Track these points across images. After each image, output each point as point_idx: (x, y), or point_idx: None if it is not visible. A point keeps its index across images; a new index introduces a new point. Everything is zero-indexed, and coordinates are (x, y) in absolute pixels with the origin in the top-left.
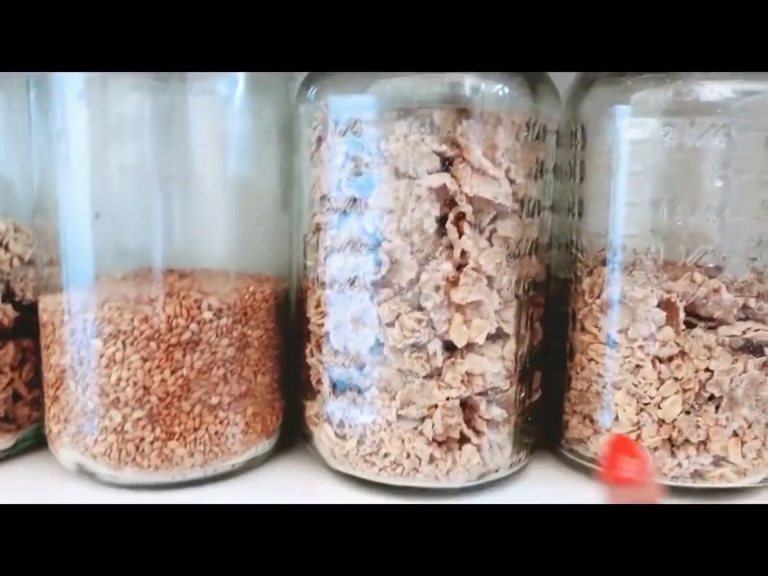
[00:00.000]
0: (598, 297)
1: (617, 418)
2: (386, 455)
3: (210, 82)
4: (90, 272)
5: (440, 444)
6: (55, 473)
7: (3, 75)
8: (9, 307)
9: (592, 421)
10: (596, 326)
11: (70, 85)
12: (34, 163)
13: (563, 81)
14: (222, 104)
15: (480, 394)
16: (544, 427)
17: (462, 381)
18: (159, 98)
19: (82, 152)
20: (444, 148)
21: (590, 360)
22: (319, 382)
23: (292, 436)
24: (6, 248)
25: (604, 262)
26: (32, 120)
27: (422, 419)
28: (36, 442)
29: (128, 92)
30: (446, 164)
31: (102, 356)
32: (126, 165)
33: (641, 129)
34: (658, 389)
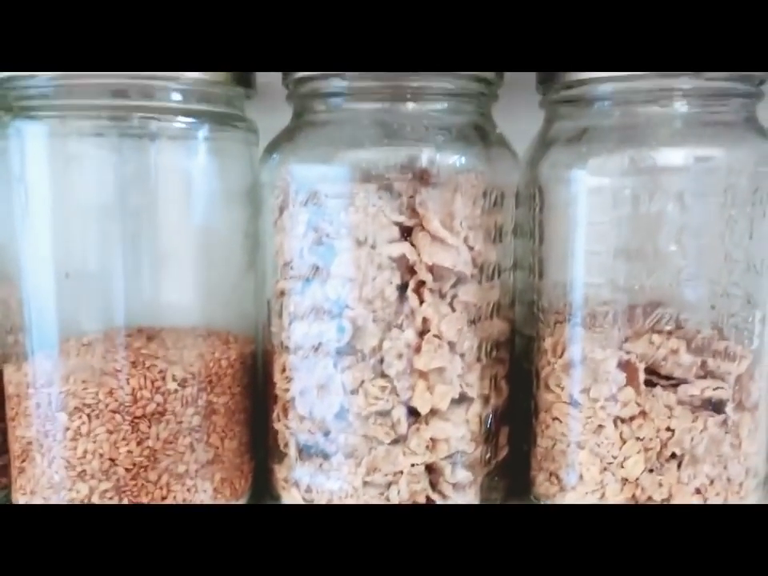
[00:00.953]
0: (561, 356)
1: (581, 477)
2: None
3: (174, 147)
4: (54, 338)
5: None
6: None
7: None
8: None
9: (558, 478)
10: (559, 386)
11: (31, 153)
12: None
13: (523, 143)
14: (186, 167)
15: (445, 458)
16: (514, 482)
17: (427, 446)
18: (122, 158)
19: (43, 212)
20: (403, 218)
21: (554, 419)
22: (286, 446)
23: (261, 496)
24: None
25: (565, 320)
26: None
27: (388, 485)
28: None
29: (91, 149)
30: (406, 233)
31: (67, 429)
32: (89, 224)
33: (597, 192)
34: (620, 448)
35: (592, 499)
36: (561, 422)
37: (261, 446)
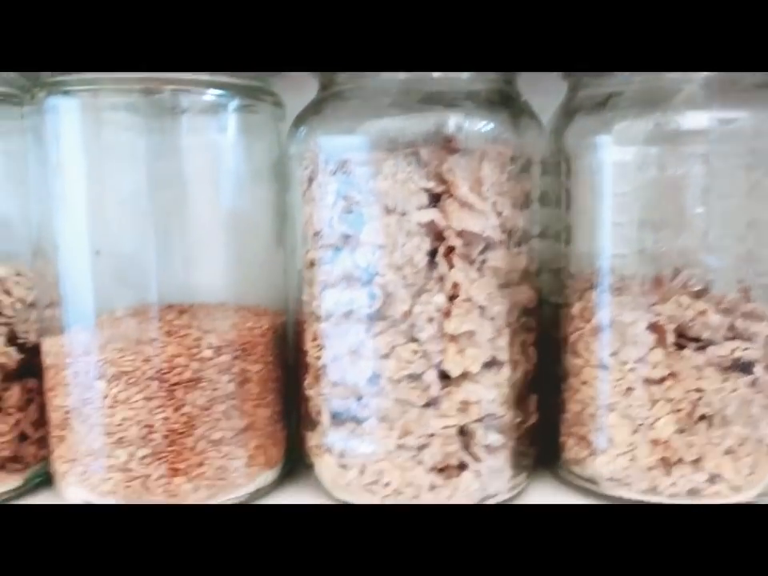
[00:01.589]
0: (589, 321)
1: (612, 440)
2: (387, 484)
3: (203, 121)
4: (90, 312)
5: (439, 471)
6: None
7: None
8: (13, 350)
9: (588, 442)
10: (588, 350)
11: (66, 128)
12: (32, 201)
13: (546, 111)
14: (216, 143)
15: (477, 420)
16: (541, 449)
17: (459, 409)
18: (153, 136)
19: (77, 189)
20: (431, 184)
21: (584, 383)
22: (319, 413)
23: (296, 465)
24: (9, 293)
25: (593, 287)
26: (32, 163)
27: (421, 448)
28: (44, 480)
29: (122, 130)
30: (434, 200)
31: (105, 397)
32: (122, 202)
33: (623, 158)
34: (650, 410)
35: (622, 461)
36: (590, 385)
37: (292, 414)
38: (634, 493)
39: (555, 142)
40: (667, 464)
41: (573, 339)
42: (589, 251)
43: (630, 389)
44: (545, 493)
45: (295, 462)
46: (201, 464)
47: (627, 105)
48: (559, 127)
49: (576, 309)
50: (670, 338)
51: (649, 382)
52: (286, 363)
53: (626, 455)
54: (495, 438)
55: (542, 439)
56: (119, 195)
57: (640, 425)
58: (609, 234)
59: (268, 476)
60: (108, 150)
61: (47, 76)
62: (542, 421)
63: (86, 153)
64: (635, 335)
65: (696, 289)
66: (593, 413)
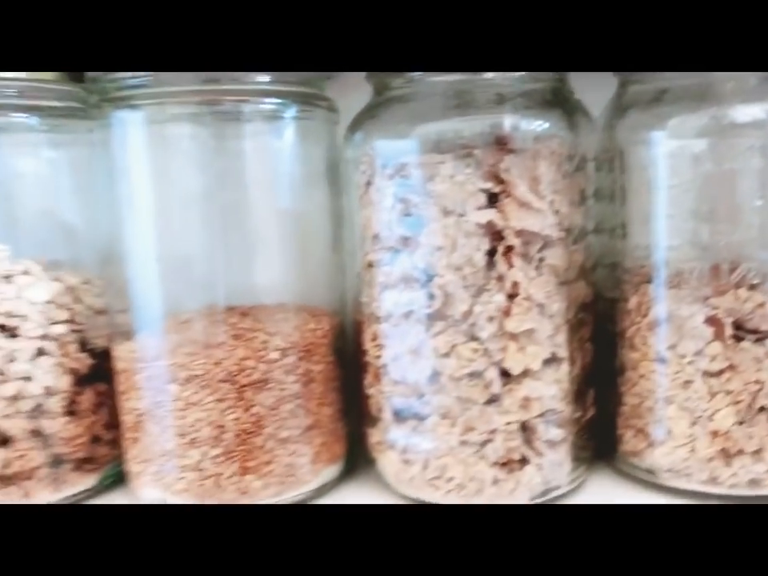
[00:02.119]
0: (645, 315)
1: (670, 432)
2: (450, 479)
3: (262, 128)
4: (159, 316)
5: (502, 466)
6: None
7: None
8: (85, 356)
9: (646, 434)
10: (645, 344)
11: (132, 141)
12: (101, 209)
13: (596, 107)
14: (275, 148)
15: (538, 416)
16: (599, 442)
17: (521, 406)
18: (216, 143)
19: (144, 198)
20: (489, 185)
21: (641, 376)
22: (380, 410)
23: (357, 461)
24: (80, 300)
25: (649, 281)
26: (100, 176)
27: (484, 443)
28: (116, 481)
29: (186, 139)
30: (492, 200)
31: (177, 399)
32: (186, 208)
33: (678, 152)
34: (709, 402)
35: (682, 453)
36: (648, 379)
37: (352, 412)
38: (694, 483)
39: (607, 138)
40: (727, 455)
41: (630, 333)
42: (644, 245)
43: (688, 381)
44: (603, 485)
45: (357, 459)
46: (270, 462)
47: (680, 99)
48: (611, 123)
49: (632, 303)
50: (728, 331)
51: (707, 374)
52: (345, 363)
53: (686, 447)
54: (556, 433)
55: (599, 432)
56: (183, 202)
57: (699, 417)
58: (664, 227)
59: (332, 472)
60: (172, 159)
61: (113, 90)
62: (600, 414)
63: (152, 162)
64: (693, 328)
65: (754, 282)
66: (651, 405)
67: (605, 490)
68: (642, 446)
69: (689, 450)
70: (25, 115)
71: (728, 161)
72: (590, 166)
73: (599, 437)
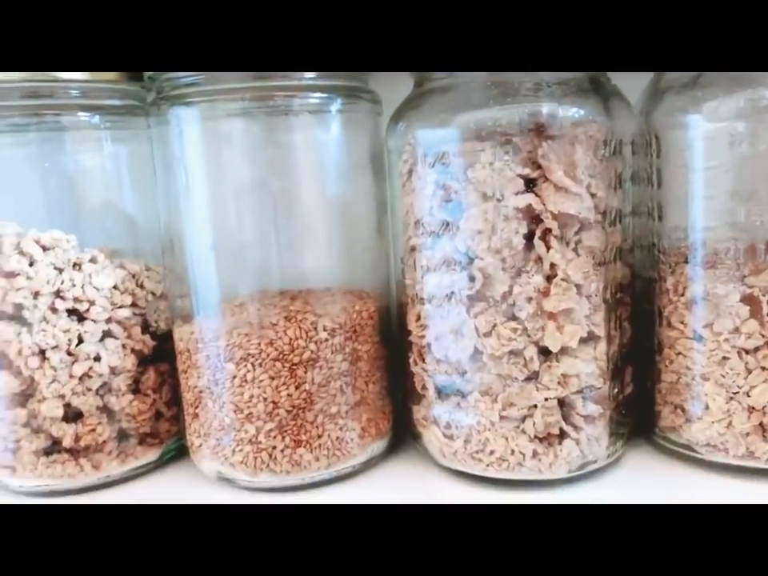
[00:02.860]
0: (682, 294)
1: (707, 407)
2: (491, 452)
3: (310, 121)
4: (215, 301)
5: (541, 440)
6: (198, 480)
7: (126, 119)
8: (147, 337)
9: (683, 410)
10: (682, 322)
11: (188, 131)
12: (159, 201)
13: (633, 92)
14: (321, 140)
15: (576, 392)
16: (637, 418)
17: (559, 382)
18: (266, 136)
19: (200, 193)
20: (527, 171)
21: (678, 354)
22: (424, 387)
23: (401, 437)
24: (142, 286)
25: (686, 261)
26: (158, 169)
27: (523, 419)
28: (177, 454)
29: (238, 133)
30: (530, 185)
31: (234, 377)
32: (239, 199)
33: (714, 135)
34: (746, 378)
35: (718, 428)
36: (685, 356)
37: (397, 390)
38: (731, 458)
39: (644, 122)
40: (764, 430)
41: (667, 312)
42: (681, 227)
43: (725, 358)
44: (641, 460)
45: (401, 435)
46: (320, 436)
47: (716, 83)
48: (648, 107)
49: (669, 283)
50: (765, 309)
51: (744, 351)
52: (390, 343)
53: (722, 422)
54: (593, 409)
55: (638, 410)
56: (236, 193)
57: (735, 393)
58: (700, 209)
59: (378, 446)
60: (225, 152)
61: (169, 89)
62: (638, 392)
63: (206, 156)
64: (729, 307)
65: None
66: (688, 382)
67: (642, 465)
68: (679, 422)
69: (725, 425)
70: (88, 114)
71: (764, 142)
72: (627, 150)
73: (638, 414)
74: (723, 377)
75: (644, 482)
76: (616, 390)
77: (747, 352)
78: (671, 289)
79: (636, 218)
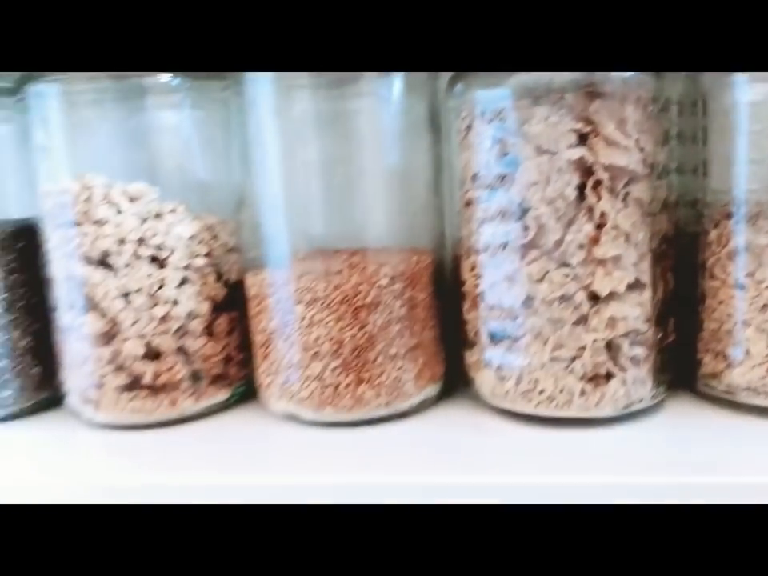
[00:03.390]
0: (725, 246)
1: (748, 352)
2: (541, 392)
3: (374, 86)
4: (286, 252)
5: (589, 380)
6: (264, 419)
7: (202, 100)
8: (220, 286)
9: (725, 356)
10: (724, 272)
11: (261, 96)
12: (234, 162)
13: None
14: (383, 104)
15: (622, 335)
16: (680, 369)
17: (607, 325)
18: (333, 102)
19: (272, 154)
20: (580, 125)
21: (720, 302)
22: (476, 334)
23: (453, 386)
24: (216, 238)
25: (728, 216)
26: (232, 131)
27: (572, 359)
28: (243, 396)
29: (306, 100)
30: (582, 139)
31: (303, 319)
32: (307, 161)
33: (759, 94)
34: None
35: (759, 372)
36: (727, 304)
37: (450, 340)
38: None
39: (692, 83)
40: None
41: (710, 264)
42: (724, 184)
43: (766, 305)
44: (684, 406)
45: (454, 382)
46: (380, 374)
47: None
48: None
49: (712, 235)
50: None
51: None
52: (444, 295)
53: (763, 366)
54: (639, 351)
55: (681, 360)
56: (305, 154)
57: None
58: (744, 170)
59: (432, 389)
60: (295, 118)
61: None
62: (681, 343)
63: (278, 120)
64: None
65: None
66: (729, 329)
67: (685, 410)
68: (720, 368)
69: (766, 368)
70: (169, 77)
71: None
72: (674, 109)
73: (680, 364)
74: (764, 322)
75: (685, 424)
76: (660, 335)
77: None
78: (714, 241)
79: (682, 176)
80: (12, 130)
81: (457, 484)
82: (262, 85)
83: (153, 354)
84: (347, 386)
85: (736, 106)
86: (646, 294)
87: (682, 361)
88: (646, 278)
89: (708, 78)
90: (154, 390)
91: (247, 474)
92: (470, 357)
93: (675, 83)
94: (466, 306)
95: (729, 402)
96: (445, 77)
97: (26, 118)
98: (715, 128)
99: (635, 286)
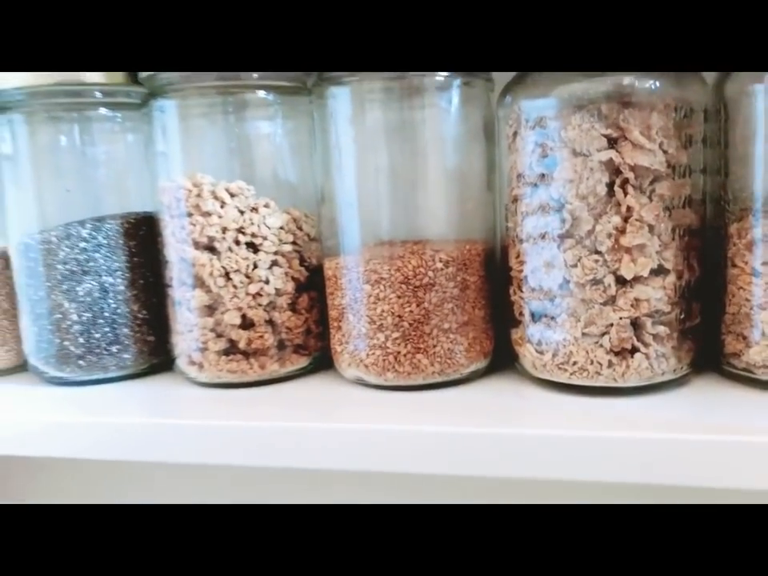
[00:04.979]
0: (744, 237)
1: (764, 333)
2: (574, 363)
3: (436, 98)
4: (357, 242)
5: (616, 354)
6: (337, 383)
7: (290, 113)
8: (303, 269)
9: (744, 337)
10: (743, 262)
11: (339, 108)
12: (316, 165)
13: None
14: (443, 114)
15: (646, 315)
16: (706, 351)
17: (632, 305)
18: (400, 113)
19: (347, 158)
20: (609, 131)
21: (740, 288)
22: (521, 314)
23: (502, 363)
24: (301, 228)
25: (748, 211)
26: (316, 138)
27: (602, 335)
28: (319, 365)
29: (378, 106)
30: (612, 143)
31: (370, 296)
32: (377, 164)
33: None
34: None
35: None
36: (745, 290)
37: (500, 322)
38: None
39: (716, 93)
40: None
41: (731, 254)
42: (744, 180)
43: None
44: (707, 383)
45: (503, 362)
46: (435, 346)
47: None
48: (720, 80)
49: (733, 228)
50: None
51: None
52: (495, 280)
53: None
54: (661, 329)
55: (708, 342)
56: (376, 159)
57: None
58: (762, 164)
59: (482, 362)
60: (368, 127)
61: (328, 72)
62: (708, 325)
63: (353, 128)
64: None
65: None
66: (747, 312)
67: (707, 386)
68: (740, 347)
69: None
70: (265, 92)
71: None
72: (698, 116)
73: (708, 346)
74: None
75: (705, 396)
76: (683, 316)
77: None
78: (735, 233)
79: (710, 177)
80: (139, 139)
81: (493, 434)
82: (340, 98)
83: (247, 324)
84: (406, 354)
85: (753, 114)
86: (669, 279)
87: (709, 343)
88: (668, 264)
89: (729, 89)
90: (247, 354)
91: (318, 421)
92: (515, 334)
93: (697, 93)
94: (512, 289)
95: (748, 379)
96: (497, 90)
97: (150, 127)
98: (736, 133)
99: (659, 271)
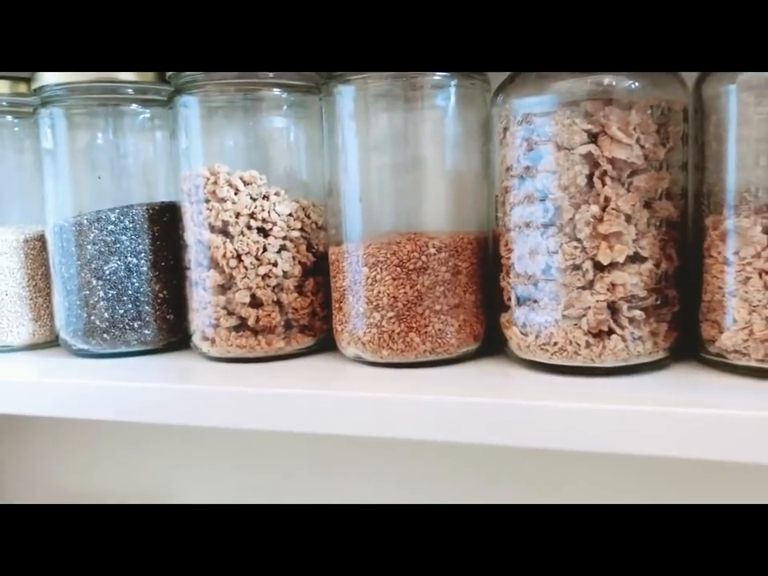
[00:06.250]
0: (718, 229)
1: (734, 320)
2: (555, 344)
3: (436, 96)
4: (359, 230)
5: (594, 335)
6: (337, 361)
7: (302, 110)
8: (310, 255)
9: (717, 324)
10: (717, 252)
11: (345, 107)
12: (324, 158)
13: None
14: (443, 112)
15: (622, 299)
16: (686, 338)
17: (608, 289)
18: (402, 112)
19: (352, 153)
20: (590, 127)
21: (714, 277)
22: (509, 298)
23: (493, 345)
24: (309, 216)
25: (721, 204)
26: (324, 133)
27: (580, 317)
28: (323, 346)
29: (381, 106)
30: (592, 138)
31: (368, 278)
32: (380, 159)
33: (745, 101)
34: (764, 294)
35: (742, 335)
36: (718, 278)
37: (492, 311)
38: (753, 362)
39: (695, 94)
40: None
41: (707, 245)
42: (719, 176)
43: (747, 278)
44: (684, 368)
45: (495, 343)
46: (427, 325)
47: None
48: (699, 81)
49: (709, 220)
50: None
51: (763, 272)
52: (487, 267)
53: (745, 330)
54: (637, 314)
55: (688, 330)
56: (379, 154)
57: (756, 306)
58: (733, 161)
59: (471, 345)
60: (371, 124)
61: (336, 72)
62: (689, 317)
63: (358, 125)
64: (752, 237)
65: None
66: (720, 299)
67: (684, 371)
68: (713, 333)
69: (747, 333)
70: (279, 90)
71: None
72: (675, 114)
73: (691, 339)
74: (746, 293)
75: (680, 380)
76: (659, 302)
77: (765, 272)
78: (710, 226)
79: (690, 173)
80: (165, 134)
81: (475, 402)
82: (346, 98)
83: (256, 303)
84: (399, 333)
85: (726, 113)
86: (645, 266)
87: (690, 331)
88: (645, 252)
89: (706, 89)
90: (256, 331)
91: (316, 389)
92: (504, 318)
93: (675, 92)
94: (502, 275)
95: (722, 365)
96: (493, 89)
97: (175, 123)
98: (711, 131)
99: (635, 258)
